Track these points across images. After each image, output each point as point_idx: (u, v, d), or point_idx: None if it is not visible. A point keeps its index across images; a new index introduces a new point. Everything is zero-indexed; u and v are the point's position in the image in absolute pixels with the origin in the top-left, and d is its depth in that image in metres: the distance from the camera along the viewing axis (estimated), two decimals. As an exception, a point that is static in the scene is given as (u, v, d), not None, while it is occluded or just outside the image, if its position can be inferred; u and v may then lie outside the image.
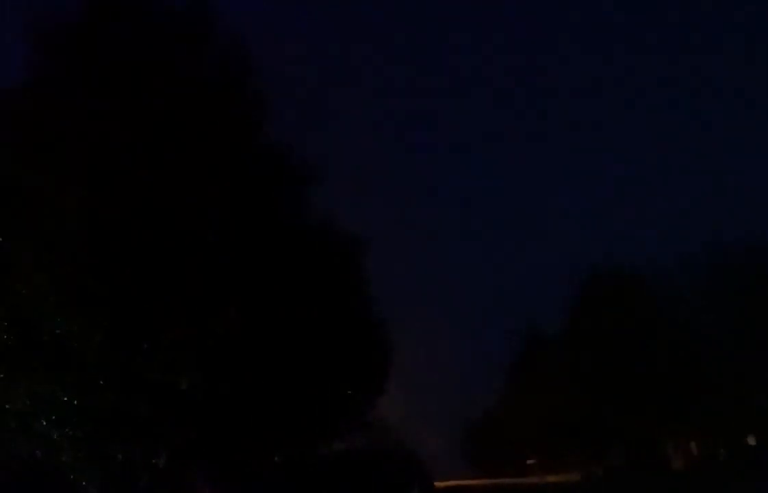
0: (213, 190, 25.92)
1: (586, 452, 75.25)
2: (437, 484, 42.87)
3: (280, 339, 30.25)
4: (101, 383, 24.91)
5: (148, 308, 24.94)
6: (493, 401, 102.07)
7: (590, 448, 74.21)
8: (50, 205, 23.71)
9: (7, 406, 24.84)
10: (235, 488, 31.08)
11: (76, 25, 26.68)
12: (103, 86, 25.60)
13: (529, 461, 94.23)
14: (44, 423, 25.47)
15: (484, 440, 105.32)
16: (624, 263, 66.68)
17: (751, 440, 55.32)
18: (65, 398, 24.96)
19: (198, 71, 28.15)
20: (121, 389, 25.01)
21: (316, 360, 33.06)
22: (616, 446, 70.42)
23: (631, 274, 66.43)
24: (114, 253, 24.43)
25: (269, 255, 28.49)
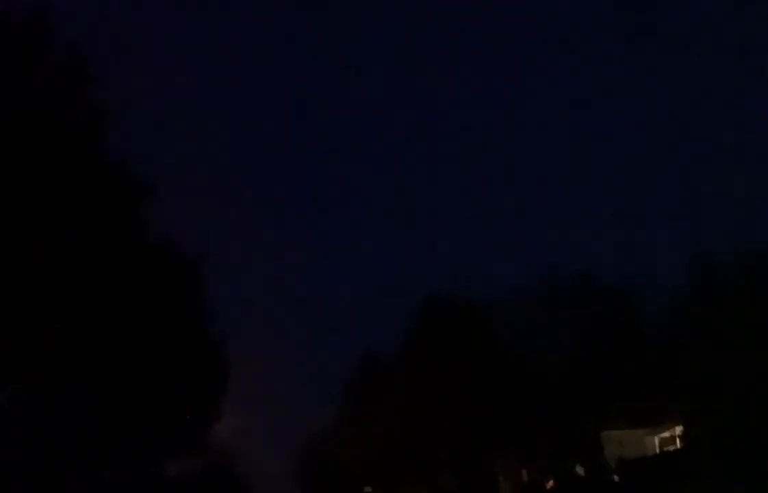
0: (44, 203, 25.33)
1: (420, 475, 76.14)
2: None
3: (110, 356, 29.73)
4: None
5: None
6: (329, 424, 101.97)
7: (424, 472, 75.08)
8: None
9: None
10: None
11: None
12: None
13: (366, 489, 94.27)
14: None
15: (319, 464, 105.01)
16: (459, 291, 67.99)
17: (580, 470, 57.30)
18: None
19: (32, 81, 27.48)
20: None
21: (148, 379, 32.61)
22: (448, 472, 71.55)
23: (466, 302, 67.88)
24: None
25: (101, 271, 27.96)
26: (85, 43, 28.54)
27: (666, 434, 55.22)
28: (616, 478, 52.30)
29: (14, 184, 24.89)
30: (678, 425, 47.47)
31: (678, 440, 50.24)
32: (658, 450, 56.78)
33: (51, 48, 27.74)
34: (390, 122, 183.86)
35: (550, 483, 61.86)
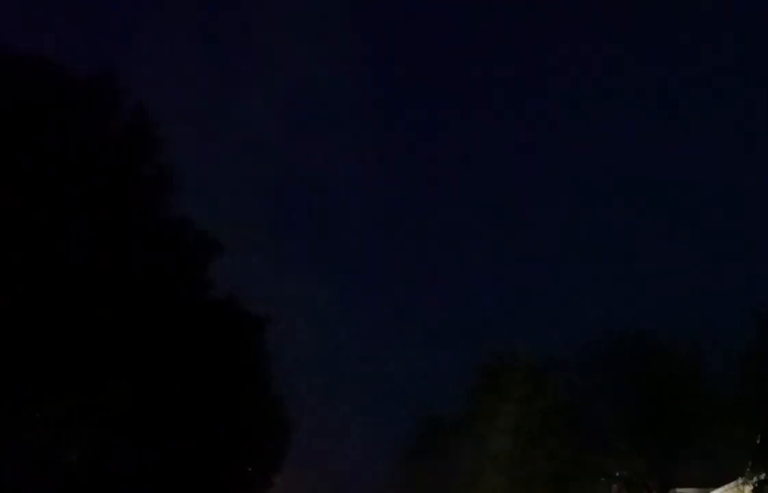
0: (111, 262, 25.63)
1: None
2: None
3: (174, 415, 29.84)
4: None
5: (37, 379, 24.35)
6: (387, 488, 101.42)
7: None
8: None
9: None
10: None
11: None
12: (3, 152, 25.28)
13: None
14: None
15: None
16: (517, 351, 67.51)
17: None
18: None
19: (102, 142, 28.06)
20: (7, 462, 24.28)
21: (211, 436, 32.64)
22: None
23: (527, 361, 67.37)
24: (3, 321, 23.88)
25: (166, 330, 28.18)
26: (151, 105, 29.24)
27: (733, 491, 53.82)
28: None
29: (82, 243, 25.23)
30: (747, 484, 46.05)
31: (746, 497, 48.76)
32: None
33: (120, 108, 28.37)
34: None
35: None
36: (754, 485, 42.69)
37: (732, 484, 52.14)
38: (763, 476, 41.63)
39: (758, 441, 42.20)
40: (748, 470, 43.67)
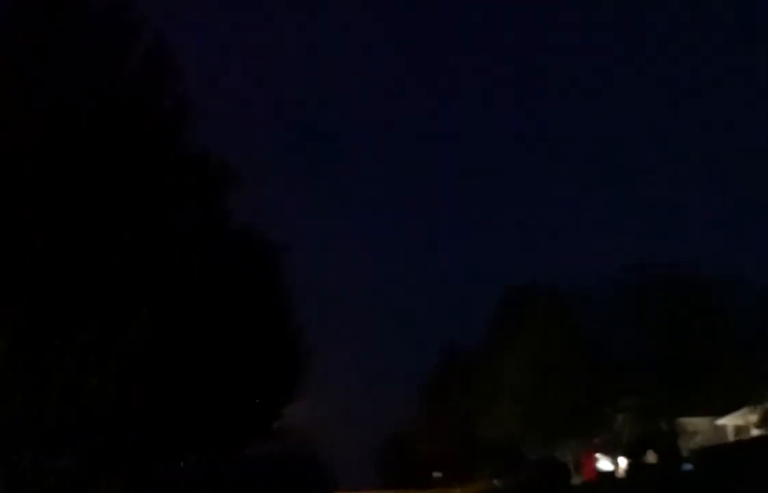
0: (129, 192, 25.66)
1: (497, 465, 76.26)
2: (341, 493, 42.51)
3: (194, 344, 30.13)
4: (7, 384, 24.42)
5: (58, 308, 24.54)
6: (410, 414, 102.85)
7: (500, 463, 75.22)
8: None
9: None
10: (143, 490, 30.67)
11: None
12: (19, 84, 25.22)
13: (435, 474, 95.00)
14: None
15: (397, 453, 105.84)
16: (544, 281, 67.87)
17: (651, 457, 56.88)
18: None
19: (118, 72, 27.92)
20: (28, 391, 24.55)
21: (230, 365, 32.99)
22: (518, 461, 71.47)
23: (552, 291, 67.76)
24: (25, 250, 24.03)
25: (186, 259, 28.33)
26: (172, 35, 29.02)
27: (741, 423, 54.22)
28: (689, 466, 51.57)
29: (102, 174, 25.25)
30: (753, 412, 46.36)
31: (753, 428, 49.11)
32: (732, 438, 55.92)
33: (139, 37, 28.17)
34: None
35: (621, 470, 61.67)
36: (762, 412, 42.95)
37: (739, 412, 52.61)
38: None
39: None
40: (754, 397, 43.98)
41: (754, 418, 47.10)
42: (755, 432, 48.67)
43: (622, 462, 62.76)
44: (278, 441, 50.18)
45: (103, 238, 25.29)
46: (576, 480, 64.35)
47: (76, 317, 24.78)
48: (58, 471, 27.61)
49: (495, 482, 73.40)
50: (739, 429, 55.79)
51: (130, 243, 25.70)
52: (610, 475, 63.12)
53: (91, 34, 27.08)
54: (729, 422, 57.33)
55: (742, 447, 47.84)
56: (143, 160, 26.56)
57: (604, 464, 66.93)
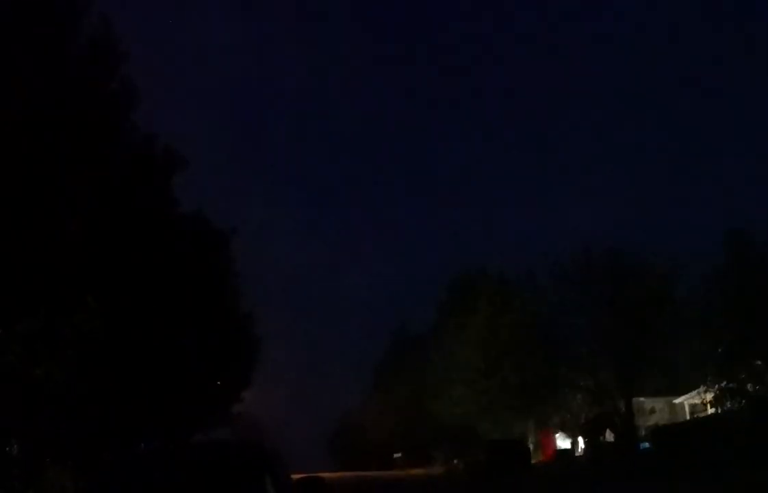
0: (76, 177, 25.40)
1: (454, 446, 76.93)
2: (295, 476, 42.19)
3: (143, 329, 29.93)
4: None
5: (4, 295, 24.24)
6: (364, 398, 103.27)
7: (457, 444, 75.86)
8: None
9: None
10: (91, 477, 30.33)
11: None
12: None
13: (396, 455, 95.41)
14: None
15: (352, 435, 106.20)
16: (491, 268, 68.49)
17: (609, 437, 57.80)
18: None
19: (65, 55, 27.59)
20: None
21: (180, 351, 32.82)
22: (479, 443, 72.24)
23: (499, 275, 68.46)
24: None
25: (133, 244, 28.12)
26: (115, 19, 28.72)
27: (696, 401, 55.18)
28: (647, 445, 52.35)
29: (48, 158, 24.95)
30: (709, 391, 47.19)
31: (708, 406, 50.00)
32: (688, 416, 56.93)
33: (83, 22, 27.84)
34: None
35: (579, 449, 62.56)
36: (715, 392, 43.67)
37: (694, 392, 53.49)
38: (724, 384, 42.52)
39: (719, 350, 43.10)
40: (709, 378, 44.70)
41: (709, 397, 47.87)
42: (711, 411, 49.51)
43: (581, 442, 63.67)
44: (233, 428, 50.16)
45: (49, 224, 25.01)
46: (535, 459, 65.07)
47: (23, 304, 24.51)
48: (4, 459, 27.36)
49: (455, 462, 73.99)
50: (694, 408, 56.80)
51: (77, 228, 25.47)
52: (569, 454, 63.96)
53: (37, 17, 26.70)
54: (685, 400, 58.37)
55: (698, 425, 48.68)
56: (89, 144, 26.27)
57: (562, 443, 67.82)
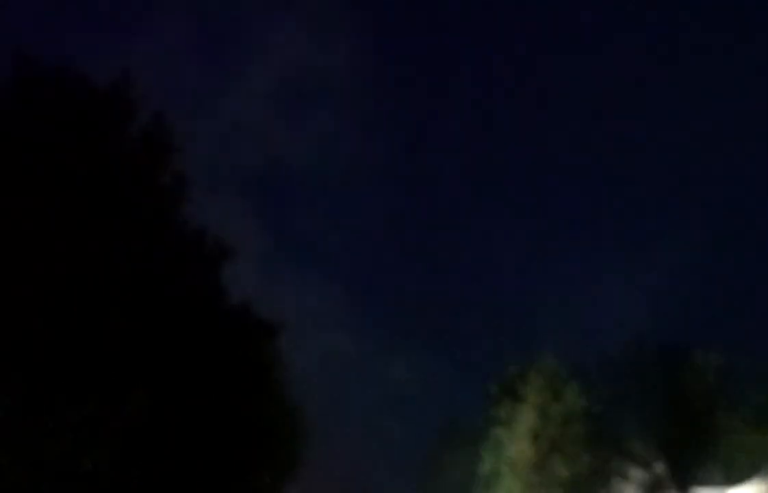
0: (126, 270, 25.81)
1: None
2: None
3: (191, 420, 29.97)
4: (3, 461, 24.32)
5: (54, 386, 24.53)
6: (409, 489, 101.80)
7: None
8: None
9: None
10: None
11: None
12: (19, 159, 25.55)
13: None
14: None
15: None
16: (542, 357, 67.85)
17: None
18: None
19: (117, 149, 28.31)
20: (24, 472, 24.42)
21: (228, 445, 32.74)
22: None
23: (549, 367, 67.86)
24: (21, 327, 24.10)
25: (182, 337, 28.33)
26: (167, 113, 29.48)
27: (752, 491, 54.05)
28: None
29: (100, 250, 25.42)
30: (765, 482, 46.30)
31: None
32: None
33: (136, 117, 28.62)
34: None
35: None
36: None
37: (749, 483, 52.40)
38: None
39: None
40: (764, 471, 44.06)
41: (764, 488, 47.04)
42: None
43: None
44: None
45: (99, 314, 25.37)
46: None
47: (72, 393, 24.77)
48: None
49: None
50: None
51: (127, 319, 25.76)
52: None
53: (92, 110, 27.51)
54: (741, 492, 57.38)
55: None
56: (141, 237, 26.77)
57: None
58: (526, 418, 64.75)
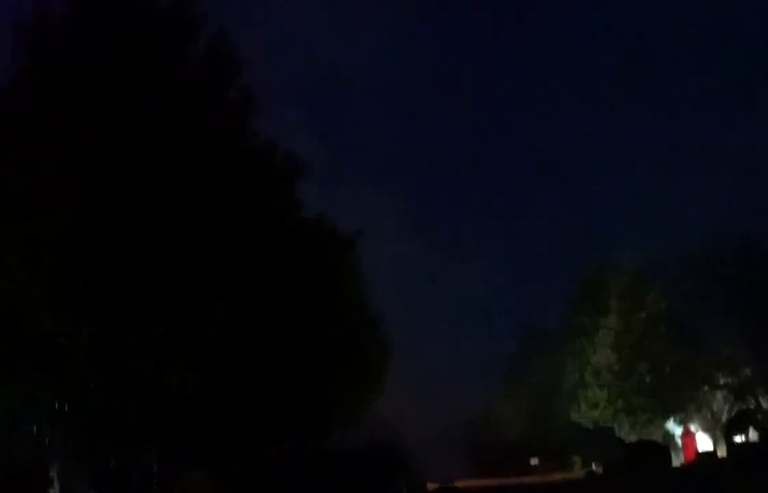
0: (200, 188, 25.82)
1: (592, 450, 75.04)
2: (430, 485, 41.88)
3: (270, 335, 30.18)
4: (90, 382, 24.78)
5: (135, 305, 24.80)
6: (491, 401, 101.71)
7: (595, 447, 74.00)
8: (36, 203, 23.58)
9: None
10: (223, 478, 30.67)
11: (60, 23, 26.77)
12: (89, 84, 25.61)
13: (532, 461, 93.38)
14: (33, 424, 25.42)
15: (483, 439, 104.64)
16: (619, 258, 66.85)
17: (753, 436, 55.38)
18: (54, 398, 24.85)
19: (184, 68, 28.23)
20: (110, 388, 24.87)
21: (309, 357, 32.95)
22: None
23: (627, 268, 66.71)
24: (101, 250, 24.34)
25: (258, 251, 28.37)
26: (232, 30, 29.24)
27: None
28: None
29: (170, 168, 25.46)
30: None
31: None
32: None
33: (201, 33, 28.45)
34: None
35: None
36: None
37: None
38: None
39: None
40: None
41: None
42: None
43: (723, 442, 61.32)
44: (362, 432, 50.11)
45: (173, 233, 25.48)
46: (676, 462, 62.96)
47: (151, 313, 25.03)
48: (142, 467, 27.98)
49: (594, 466, 72.20)
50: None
51: (201, 237, 25.83)
52: (712, 455, 61.59)
53: (156, 29, 27.38)
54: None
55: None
56: (212, 154, 26.72)
57: (704, 444, 65.39)
58: (608, 325, 64.08)
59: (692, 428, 65.16)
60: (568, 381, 70.90)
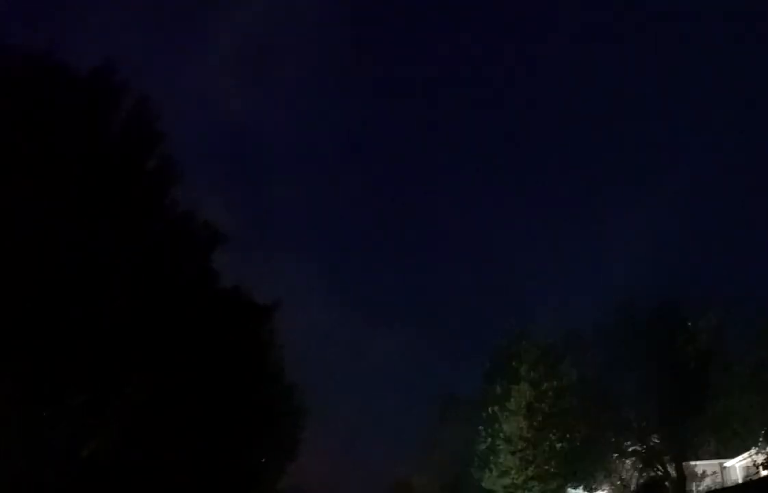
0: (119, 255, 25.76)
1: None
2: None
3: (187, 404, 30.00)
4: (6, 447, 24.35)
5: (51, 374, 24.53)
6: (407, 469, 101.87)
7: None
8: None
9: None
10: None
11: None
12: (10, 154, 25.41)
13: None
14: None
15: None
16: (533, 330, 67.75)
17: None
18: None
19: (106, 137, 28.17)
20: (25, 455, 24.46)
21: (224, 426, 32.79)
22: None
23: (539, 340, 67.69)
24: (20, 316, 24.08)
25: (177, 320, 28.32)
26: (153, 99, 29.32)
27: (748, 463, 53.87)
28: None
29: (92, 238, 25.36)
30: (761, 453, 46.07)
31: (760, 469, 48.79)
32: (740, 479, 55.57)
33: (121, 102, 28.47)
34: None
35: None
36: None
37: (746, 454, 52.25)
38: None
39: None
40: (760, 441, 43.68)
41: (761, 459, 46.71)
42: (764, 473, 48.28)
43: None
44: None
45: (95, 302, 25.34)
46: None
47: (72, 380, 24.79)
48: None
49: None
50: (747, 471, 55.38)
51: (122, 305, 25.74)
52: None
53: (74, 98, 27.32)
54: (737, 463, 56.98)
55: (750, 487, 47.34)
56: (131, 222, 26.71)
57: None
58: (519, 393, 64.79)
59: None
60: (480, 448, 71.36)
